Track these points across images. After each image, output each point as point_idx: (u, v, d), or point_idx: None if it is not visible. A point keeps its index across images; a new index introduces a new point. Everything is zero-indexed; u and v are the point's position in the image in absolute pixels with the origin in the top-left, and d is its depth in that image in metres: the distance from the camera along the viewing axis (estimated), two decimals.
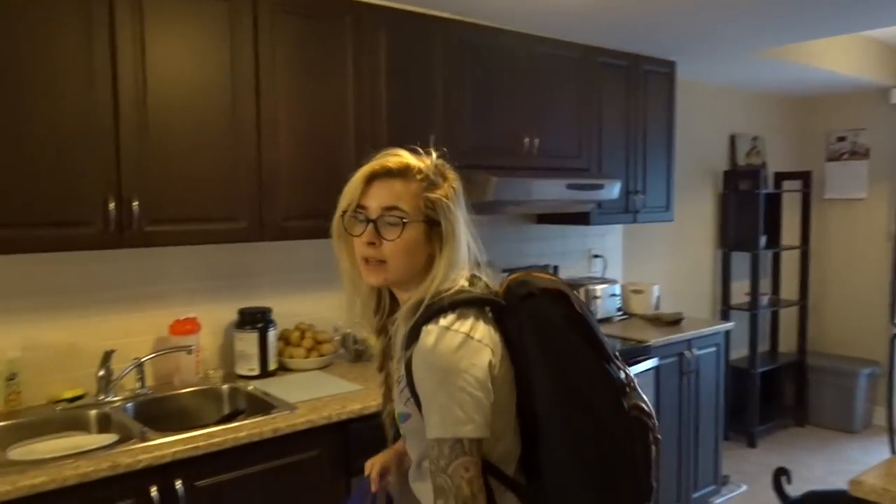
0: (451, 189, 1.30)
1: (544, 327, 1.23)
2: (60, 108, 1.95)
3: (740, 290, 4.71)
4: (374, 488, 1.51)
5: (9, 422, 2.08)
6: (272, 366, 2.56)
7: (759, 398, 4.56)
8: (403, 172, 1.27)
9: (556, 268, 3.68)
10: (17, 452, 1.94)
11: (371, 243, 1.26)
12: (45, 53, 1.92)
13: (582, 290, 3.58)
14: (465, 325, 1.20)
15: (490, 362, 1.20)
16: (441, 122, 2.79)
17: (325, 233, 2.64)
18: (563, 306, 1.25)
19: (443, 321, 1.19)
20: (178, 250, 2.47)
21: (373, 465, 1.54)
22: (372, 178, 1.28)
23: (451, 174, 1.32)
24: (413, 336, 1.21)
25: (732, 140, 4.80)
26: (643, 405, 1.27)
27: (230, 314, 2.59)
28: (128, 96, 2.05)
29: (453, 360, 1.17)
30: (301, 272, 2.82)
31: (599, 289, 3.63)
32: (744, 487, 3.90)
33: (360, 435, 2.23)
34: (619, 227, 4.06)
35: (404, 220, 1.25)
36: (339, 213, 1.31)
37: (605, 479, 1.21)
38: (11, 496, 1.63)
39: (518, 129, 3.05)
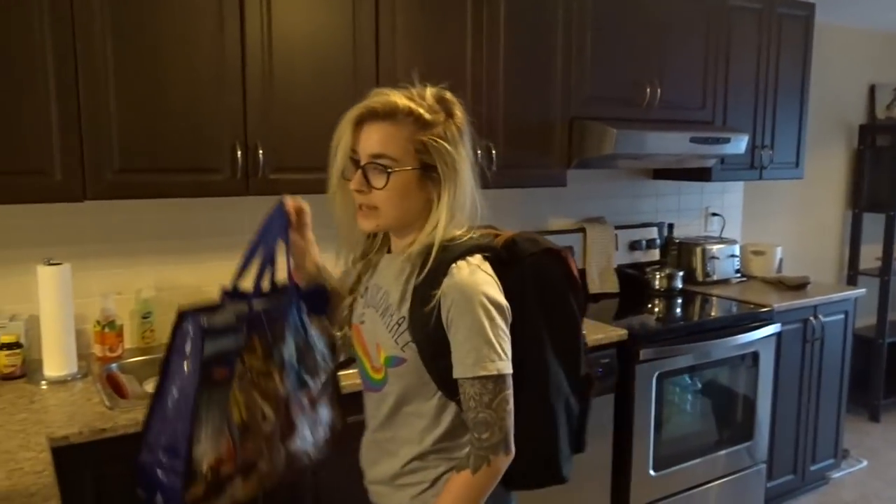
0: (454, 127, 1.23)
1: (547, 283, 1.28)
2: (193, 55, 1.99)
3: (870, 255, 4.37)
4: (288, 207, 1.39)
5: (144, 357, 2.22)
6: None
7: (884, 370, 4.26)
8: (391, 114, 1.20)
9: (670, 226, 3.53)
10: (153, 386, 2.06)
11: (360, 191, 1.22)
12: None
13: (698, 250, 3.41)
14: (489, 268, 1.22)
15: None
16: (560, 70, 2.68)
17: None
18: (563, 267, 1.31)
19: (472, 260, 1.20)
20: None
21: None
22: (360, 122, 1.22)
23: (458, 111, 1.25)
24: (434, 279, 1.19)
25: (872, 90, 4.39)
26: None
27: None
28: (254, 44, 2.06)
29: (492, 298, 1.19)
30: None
31: (716, 249, 3.45)
32: (864, 463, 3.68)
33: None
34: (739, 185, 3.83)
35: (389, 170, 1.19)
36: (332, 157, 1.27)
37: (567, 429, 1.33)
38: None
39: (640, 78, 2.90)
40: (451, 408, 1.26)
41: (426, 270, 1.20)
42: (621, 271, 3.27)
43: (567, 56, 2.69)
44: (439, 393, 1.25)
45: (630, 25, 2.84)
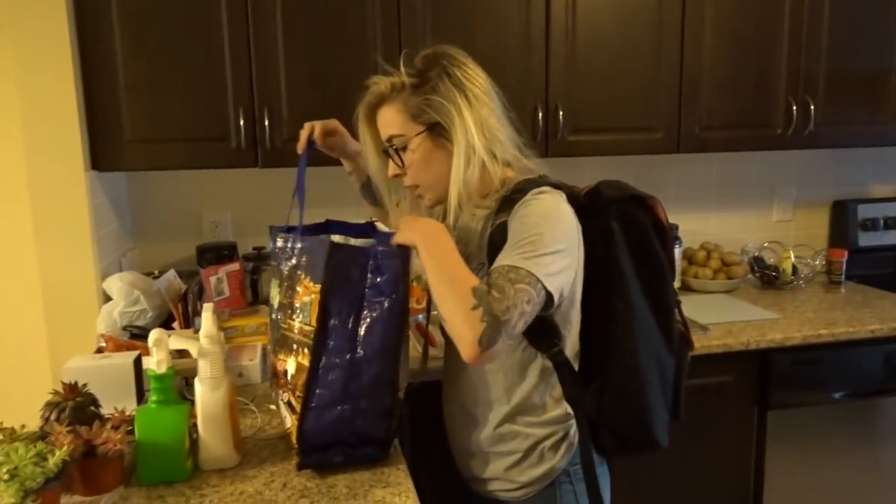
0: (445, 78, 1.18)
1: (634, 231, 1.22)
2: (500, 24, 2.03)
3: None
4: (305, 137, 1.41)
5: None
6: (676, 284, 2.46)
7: None
8: (381, 97, 1.24)
9: None
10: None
11: (397, 176, 1.27)
12: None
13: None
14: (562, 199, 1.17)
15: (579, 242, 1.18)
16: None
17: (746, 144, 2.40)
18: (651, 214, 1.24)
19: (547, 191, 1.16)
20: (591, 161, 2.46)
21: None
22: (369, 119, 1.28)
23: (451, 60, 1.20)
24: (503, 208, 1.17)
25: None
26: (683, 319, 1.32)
27: None
28: (559, 5, 2.05)
29: (564, 218, 1.14)
30: (707, 189, 2.65)
31: None
32: None
33: (781, 366, 2.04)
34: None
35: (397, 147, 1.23)
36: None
37: (661, 392, 1.24)
38: None
39: None
40: (538, 361, 1.22)
41: (495, 216, 1.18)
42: None
43: None
44: (524, 343, 1.21)
45: None
